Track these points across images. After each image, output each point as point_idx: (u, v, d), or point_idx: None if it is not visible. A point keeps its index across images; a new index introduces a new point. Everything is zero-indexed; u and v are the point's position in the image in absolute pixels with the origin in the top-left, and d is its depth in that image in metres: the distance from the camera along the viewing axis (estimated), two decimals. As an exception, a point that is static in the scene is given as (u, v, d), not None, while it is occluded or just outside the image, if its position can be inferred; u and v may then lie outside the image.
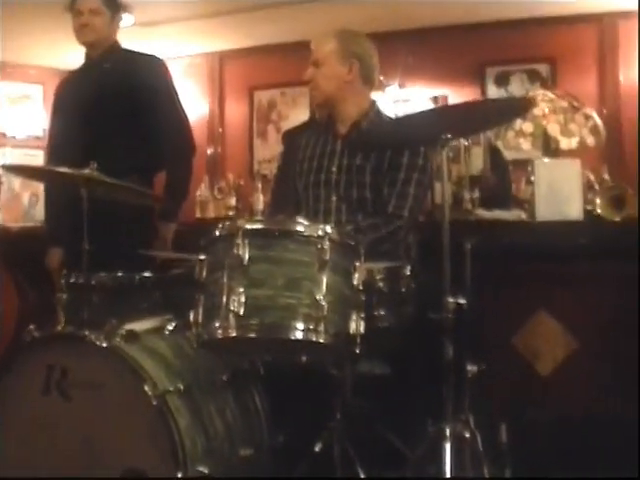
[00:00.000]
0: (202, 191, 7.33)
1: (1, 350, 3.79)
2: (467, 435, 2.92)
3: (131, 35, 4.32)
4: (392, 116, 4.05)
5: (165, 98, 4.25)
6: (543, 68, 7.08)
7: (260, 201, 6.71)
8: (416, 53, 7.17)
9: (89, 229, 3.16)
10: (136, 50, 4.35)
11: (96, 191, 3.22)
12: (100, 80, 4.19)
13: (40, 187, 8.71)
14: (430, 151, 3.47)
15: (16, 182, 8.47)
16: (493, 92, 7.16)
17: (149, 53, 4.38)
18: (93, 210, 3.18)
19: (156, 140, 4.17)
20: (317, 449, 3.14)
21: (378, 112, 3.72)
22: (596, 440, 3.65)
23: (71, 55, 7.92)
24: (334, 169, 3.61)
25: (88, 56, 4.31)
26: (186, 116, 4.39)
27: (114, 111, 4.15)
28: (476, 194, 4.25)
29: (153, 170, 4.24)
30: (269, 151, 8.12)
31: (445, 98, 7.22)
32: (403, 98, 7.41)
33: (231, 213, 7.08)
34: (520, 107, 3.31)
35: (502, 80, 7.25)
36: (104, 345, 2.87)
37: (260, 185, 6.71)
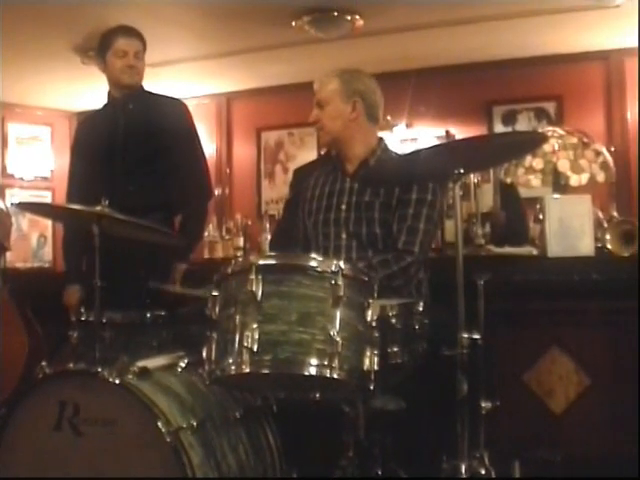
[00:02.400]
0: (210, 231, 7.35)
1: (11, 386, 3.77)
2: (482, 472, 2.90)
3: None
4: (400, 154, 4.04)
5: (185, 140, 4.29)
6: (550, 106, 7.14)
7: (268, 241, 6.72)
8: (423, 93, 7.23)
9: (105, 266, 3.16)
10: (158, 92, 4.37)
11: (111, 228, 3.21)
12: (124, 120, 4.20)
13: (48, 228, 8.83)
14: (441, 187, 3.47)
15: (24, 223, 8.52)
16: (500, 131, 7.21)
17: (171, 95, 4.41)
18: (109, 248, 3.19)
19: (176, 181, 4.19)
20: (330, 486, 3.10)
21: (385, 149, 3.71)
22: (608, 478, 3.62)
23: (79, 97, 8.07)
24: (343, 207, 3.60)
25: (111, 96, 4.30)
26: (205, 159, 4.42)
27: (137, 151, 4.17)
28: (487, 230, 4.24)
29: (173, 210, 4.25)
30: (277, 191, 8.17)
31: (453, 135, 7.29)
32: (410, 137, 7.46)
33: (239, 253, 7.10)
34: (533, 141, 3.33)
35: (509, 119, 7.32)
36: (117, 382, 2.86)
37: (268, 225, 6.73)
